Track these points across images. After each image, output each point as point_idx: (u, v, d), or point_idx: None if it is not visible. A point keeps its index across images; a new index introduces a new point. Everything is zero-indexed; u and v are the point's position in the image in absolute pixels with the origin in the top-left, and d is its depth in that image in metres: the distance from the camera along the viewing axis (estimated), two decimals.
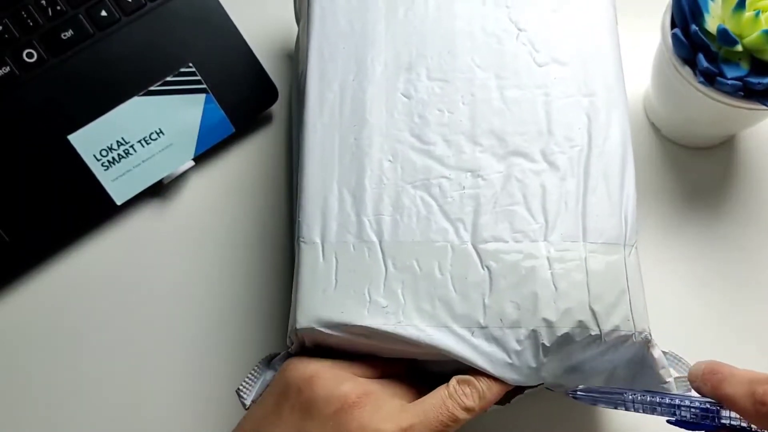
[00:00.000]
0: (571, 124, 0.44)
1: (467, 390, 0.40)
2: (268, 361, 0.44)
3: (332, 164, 0.43)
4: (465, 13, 0.46)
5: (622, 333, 0.40)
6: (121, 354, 0.51)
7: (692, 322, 0.51)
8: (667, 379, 0.41)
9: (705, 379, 0.38)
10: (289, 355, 0.42)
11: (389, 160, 0.43)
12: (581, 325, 0.39)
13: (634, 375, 0.41)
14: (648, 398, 0.39)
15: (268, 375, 0.43)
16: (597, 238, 0.41)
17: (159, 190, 0.55)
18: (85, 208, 0.53)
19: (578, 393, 0.41)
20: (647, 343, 0.40)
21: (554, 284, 0.40)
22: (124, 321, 0.52)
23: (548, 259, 0.41)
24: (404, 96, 0.45)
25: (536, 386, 0.42)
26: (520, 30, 0.46)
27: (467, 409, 0.39)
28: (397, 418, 0.39)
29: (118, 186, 0.53)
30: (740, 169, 0.55)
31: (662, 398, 0.39)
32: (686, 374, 0.41)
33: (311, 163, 0.43)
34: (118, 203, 0.53)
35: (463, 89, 0.45)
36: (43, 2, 0.54)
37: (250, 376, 0.43)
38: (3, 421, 0.50)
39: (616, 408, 0.40)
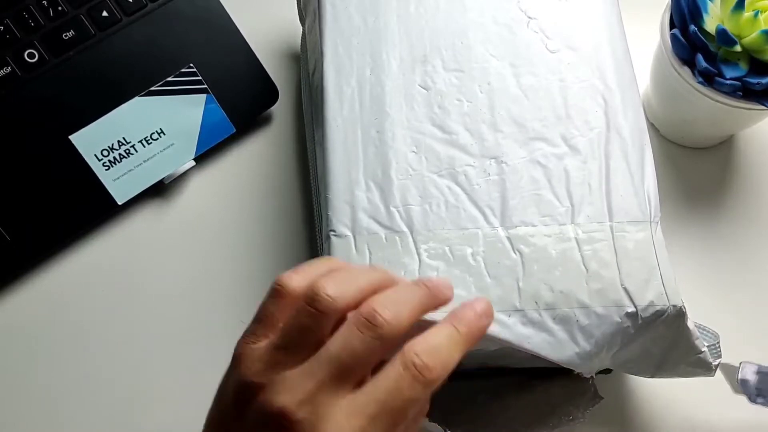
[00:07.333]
0: (587, 108, 0.45)
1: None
2: None
3: (356, 157, 0.44)
4: (475, 5, 0.47)
5: (658, 308, 0.40)
6: (122, 353, 0.51)
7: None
8: (702, 349, 0.42)
9: None
10: None
11: (413, 151, 0.44)
12: (616, 303, 0.40)
13: (667, 350, 0.42)
14: None
15: None
16: (623, 217, 0.42)
17: (160, 190, 0.55)
18: (86, 208, 0.53)
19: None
20: (682, 315, 0.41)
21: (585, 266, 0.41)
22: (125, 320, 0.52)
23: (577, 241, 0.42)
24: (422, 88, 0.45)
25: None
26: (530, 18, 0.47)
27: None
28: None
29: (119, 186, 0.53)
30: (739, 169, 0.56)
31: None
32: (714, 342, 0.42)
33: (335, 158, 0.44)
34: (119, 203, 0.53)
35: (479, 78, 0.45)
36: (45, 2, 0.53)
37: None
38: (4, 420, 0.49)
39: None
